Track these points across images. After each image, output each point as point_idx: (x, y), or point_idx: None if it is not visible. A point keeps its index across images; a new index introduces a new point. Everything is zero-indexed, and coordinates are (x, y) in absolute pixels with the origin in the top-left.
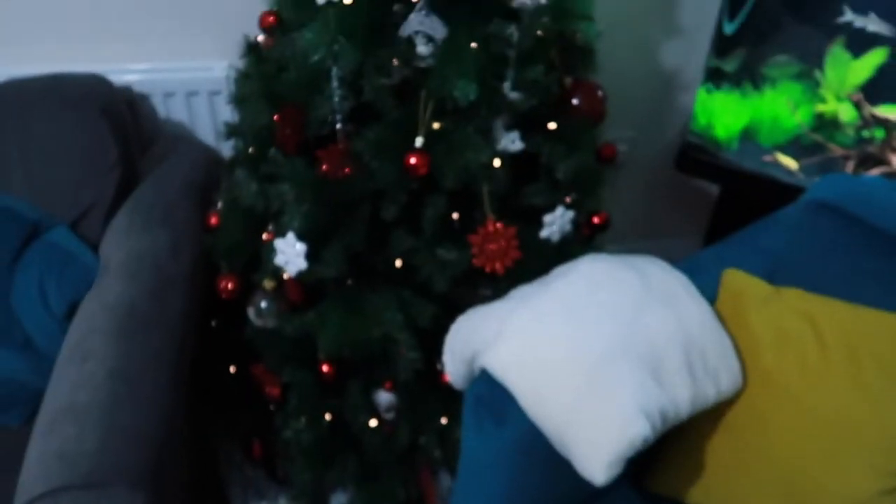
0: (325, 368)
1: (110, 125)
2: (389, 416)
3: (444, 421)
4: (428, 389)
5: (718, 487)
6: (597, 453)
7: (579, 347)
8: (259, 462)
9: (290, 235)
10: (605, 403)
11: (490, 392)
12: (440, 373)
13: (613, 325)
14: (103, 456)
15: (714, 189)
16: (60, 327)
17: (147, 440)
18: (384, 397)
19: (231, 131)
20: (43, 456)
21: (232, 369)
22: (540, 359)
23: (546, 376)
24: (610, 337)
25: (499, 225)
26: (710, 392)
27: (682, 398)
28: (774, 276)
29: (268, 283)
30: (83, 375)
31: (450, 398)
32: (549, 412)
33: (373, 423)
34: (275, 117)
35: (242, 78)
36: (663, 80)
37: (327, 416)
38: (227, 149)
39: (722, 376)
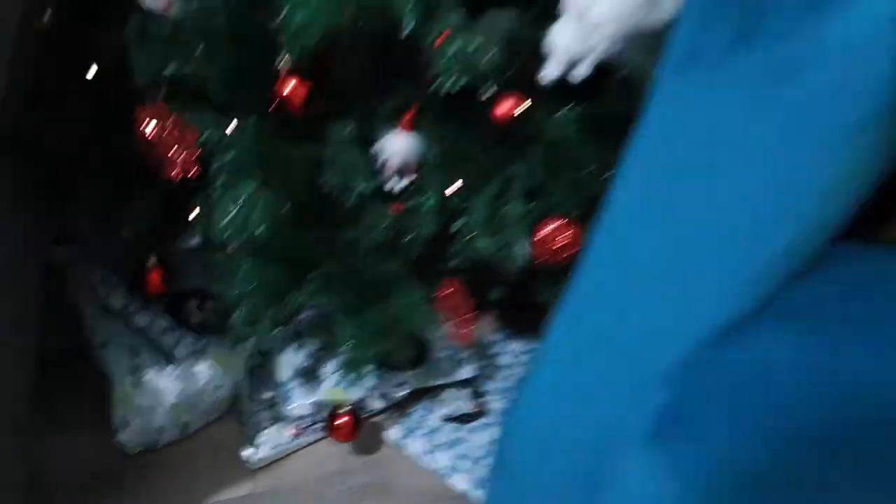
0: (291, 87)
1: None
2: (403, 181)
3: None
4: (467, 126)
5: None
6: None
7: None
8: (156, 298)
9: None
10: None
11: None
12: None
13: None
14: None
15: None
16: None
17: None
18: (395, 143)
19: None
20: None
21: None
22: None
23: None
24: None
25: None
26: None
27: None
28: None
29: None
30: None
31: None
32: None
33: (372, 193)
34: None
35: None
36: None
37: (298, 175)
38: None
39: None
